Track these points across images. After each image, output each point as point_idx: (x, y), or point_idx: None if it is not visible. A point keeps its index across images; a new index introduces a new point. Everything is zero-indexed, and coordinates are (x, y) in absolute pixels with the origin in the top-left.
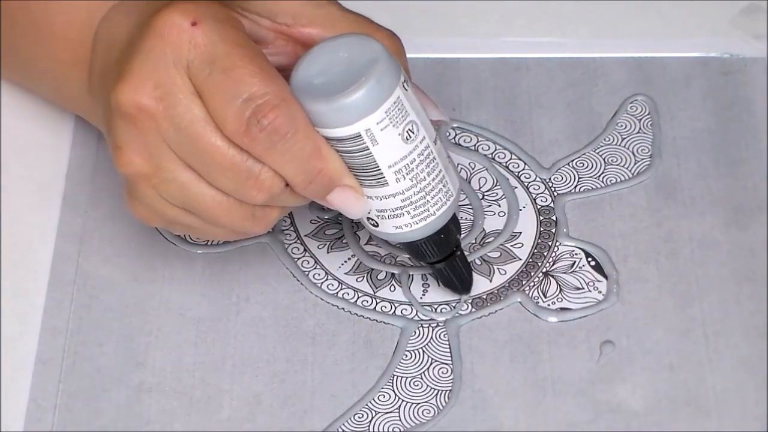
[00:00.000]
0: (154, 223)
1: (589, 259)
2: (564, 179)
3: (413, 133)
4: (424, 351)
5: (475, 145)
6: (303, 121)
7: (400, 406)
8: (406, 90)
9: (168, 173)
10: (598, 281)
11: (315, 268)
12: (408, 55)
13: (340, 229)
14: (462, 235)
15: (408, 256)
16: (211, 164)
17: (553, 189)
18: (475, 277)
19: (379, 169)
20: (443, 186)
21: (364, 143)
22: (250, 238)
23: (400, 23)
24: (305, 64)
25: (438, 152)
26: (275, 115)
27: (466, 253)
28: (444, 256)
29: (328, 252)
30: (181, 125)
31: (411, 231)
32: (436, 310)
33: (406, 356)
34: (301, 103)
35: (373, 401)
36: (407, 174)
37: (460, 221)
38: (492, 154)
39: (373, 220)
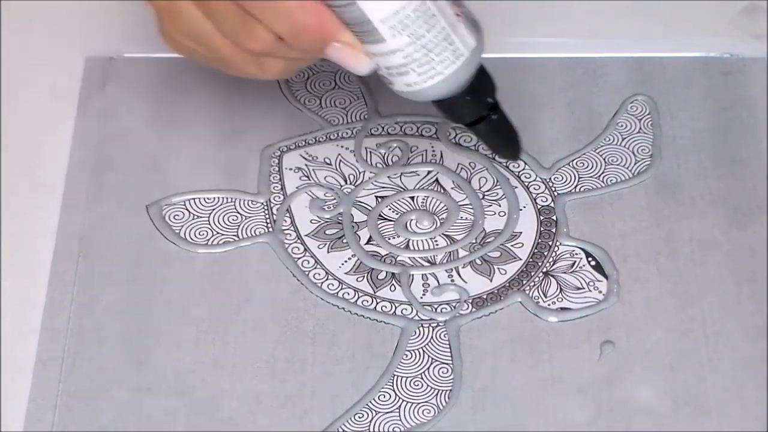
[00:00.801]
0: (178, 52)
1: (590, 259)
2: (564, 179)
3: None
4: (424, 351)
5: (475, 145)
6: None
7: (400, 406)
8: None
9: (180, 8)
10: (599, 281)
11: (315, 267)
12: None
13: (340, 229)
14: (496, 95)
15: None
16: (208, 7)
17: (553, 189)
18: (475, 276)
19: (372, 24)
20: (449, 44)
21: None
22: (249, 237)
23: None
24: None
25: (440, 9)
26: None
27: (469, 253)
28: (477, 116)
29: (328, 252)
30: None
31: (422, 89)
32: (436, 310)
33: (407, 356)
34: None
35: (373, 401)
36: (402, 30)
37: (462, 221)
38: (492, 154)
39: (385, 78)
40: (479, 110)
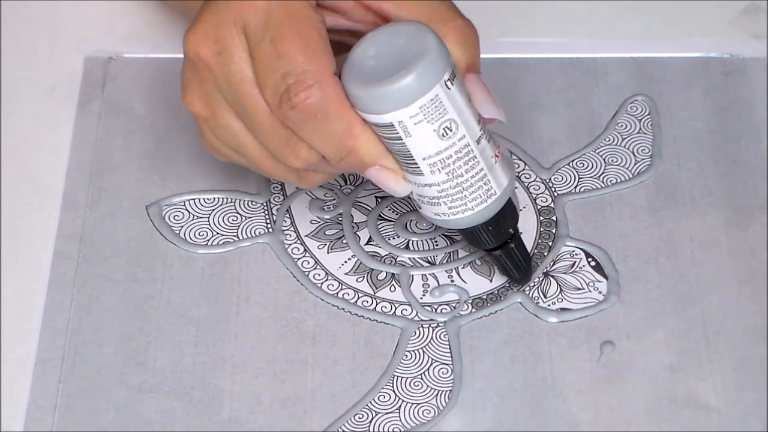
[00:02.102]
0: (219, 158)
1: (590, 259)
2: (564, 179)
3: (450, 130)
4: (424, 351)
5: None
6: (336, 103)
7: (400, 406)
8: (449, 88)
9: (221, 120)
10: (599, 281)
11: (315, 268)
12: None
13: (340, 230)
14: (518, 228)
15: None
16: (254, 123)
17: (553, 189)
18: (475, 277)
19: (414, 159)
20: (484, 184)
21: (398, 133)
22: (249, 238)
23: None
24: (364, 44)
25: (481, 151)
26: (306, 95)
27: (469, 254)
28: (496, 244)
29: (328, 252)
30: (232, 81)
31: (449, 220)
32: (436, 310)
33: (407, 356)
34: (345, 83)
35: (373, 401)
36: (442, 168)
37: None
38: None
39: (415, 201)
40: (499, 239)
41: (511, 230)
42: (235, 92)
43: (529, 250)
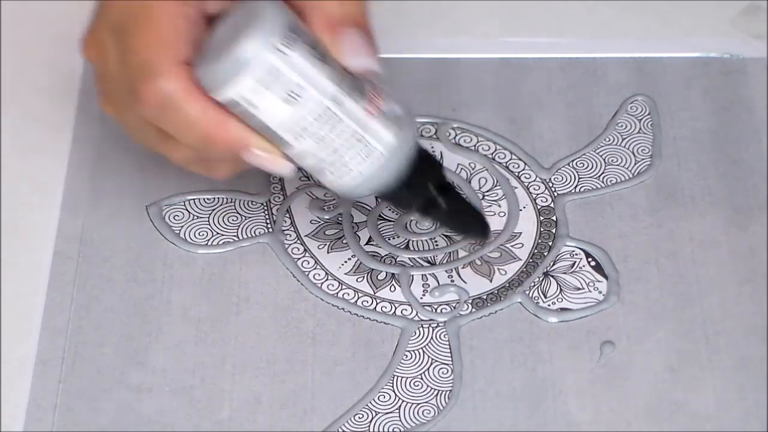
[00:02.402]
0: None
1: (590, 259)
2: (564, 179)
3: (297, 95)
4: (424, 351)
5: (475, 145)
6: (183, 91)
7: (400, 406)
8: (284, 53)
9: (123, 121)
10: (599, 281)
11: (315, 268)
12: (408, 55)
13: (340, 230)
14: (443, 177)
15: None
16: (133, 129)
17: (553, 189)
18: (475, 277)
19: (273, 131)
20: (361, 143)
21: (245, 107)
22: (249, 238)
23: (401, 23)
24: (215, 28)
25: (346, 112)
26: (147, 88)
27: (469, 254)
28: (420, 203)
29: (328, 252)
30: (110, 81)
31: (344, 187)
32: (436, 310)
33: (407, 356)
34: (194, 68)
35: (373, 401)
36: (304, 134)
37: None
38: (492, 154)
39: (310, 175)
40: (421, 197)
41: (431, 185)
42: (115, 88)
43: (528, 249)
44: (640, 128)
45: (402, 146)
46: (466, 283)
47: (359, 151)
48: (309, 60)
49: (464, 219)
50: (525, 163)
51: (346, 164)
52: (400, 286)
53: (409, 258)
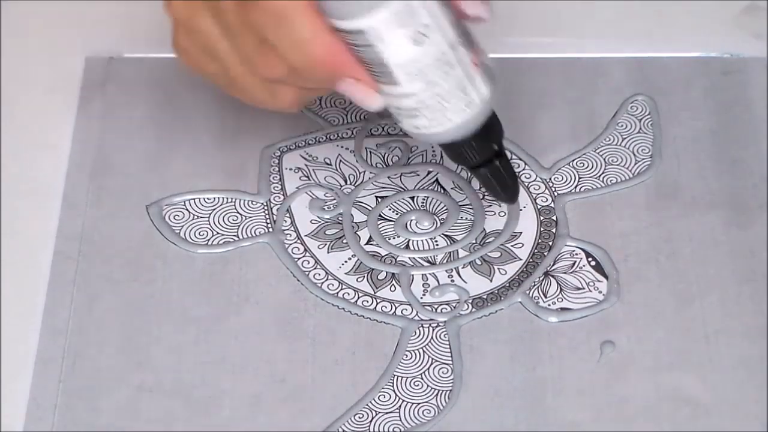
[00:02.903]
0: (190, 66)
1: (590, 259)
2: (564, 179)
3: (425, 36)
4: (424, 351)
5: None
6: (302, 7)
7: (400, 406)
8: None
9: (198, 22)
10: (599, 281)
11: (315, 268)
12: None
13: (340, 229)
14: (502, 141)
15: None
16: (228, 27)
17: (553, 189)
18: (475, 276)
19: (388, 68)
20: (463, 94)
21: (370, 40)
22: (249, 238)
23: None
24: None
25: (459, 59)
26: None
27: (469, 253)
28: (481, 161)
29: (328, 252)
30: None
31: (430, 134)
32: (436, 310)
33: (407, 356)
34: None
35: (373, 401)
36: (418, 76)
37: (463, 221)
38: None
39: (395, 116)
40: (483, 155)
41: (495, 146)
42: None
43: (528, 249)
44: (640, 128)
45: (492, 100)
46: (466, 282)
47: (460, 100)
48: (437, 2)
49: (505, 182)
50: (525, 163)
51: (445, 111)
52: (400, 286)
53: (409, 258)
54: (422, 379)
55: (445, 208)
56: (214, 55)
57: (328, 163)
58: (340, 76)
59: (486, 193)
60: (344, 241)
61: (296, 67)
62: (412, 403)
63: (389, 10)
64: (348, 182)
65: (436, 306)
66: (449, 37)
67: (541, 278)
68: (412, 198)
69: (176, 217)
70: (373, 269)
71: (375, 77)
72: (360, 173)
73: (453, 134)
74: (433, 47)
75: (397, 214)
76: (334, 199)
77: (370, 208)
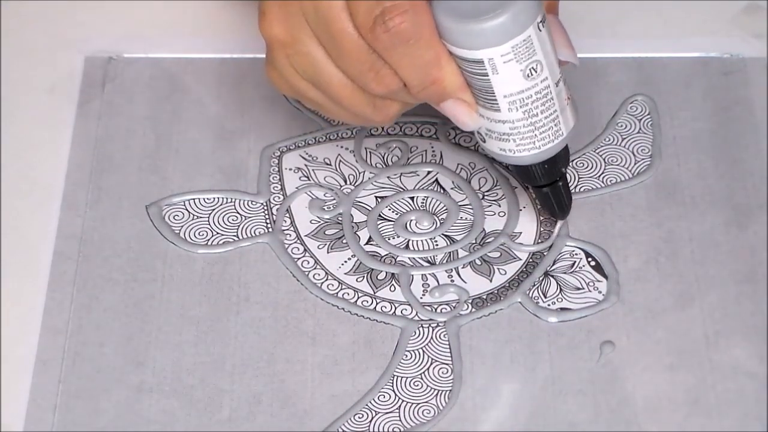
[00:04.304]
0: (285, 92)
1: (589, 259)
2: None
3: (535, 71)
4: (424, 351)
5: (475, 145)
6: (428, 31)
7: (400, 406)
8: (540, 30)
9: (302, 46)
10: (598, 281)
11: (315, 268)
12: None
13: (340, 229)
14: (567, 167)
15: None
16: (339, 48)
17: None
18: (475, 276)
19: (494, 96)
20: (554, 125)
21: (485, 70)
22: (249, 238)
23: None
24: None
25: (557, 93)
26: (401, 20)
27: (469, 253)
28: (547, 182)
29: (328, 252)
30: (320, 6)
31: (515, 156)
32: (436, 310)
33: (406, 356)
34: (436, 14)
35: (373, 401)
36: (521, 107)
37: (462, 221)
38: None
39: (481, 135)
40: (551, 178)
41: (563, 170)
42: (322, 16)
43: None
44: (640, 128)
45: (573, 130)
46: (466, 282)
47: (551, 132)
48: (550, 40)
49: (562, 203)
50: None
51: (535, 140)
52: (400, 286)
53: (409, 258)
54: (422, 379)
55: (444, 208)
56: (319, 80)
57: (327, 163)
58: (450, 97)
59: (486, 194)
60: (344, 241)
61: (412, 85)
62: (412, 403)
63: (510, 45)
64: (348, 182)
65: (435, 306)
66: (555, 73)
67: (540, 278)
68: (412, 198)
69: (176, 217)
70: (372, 269)
71: (477, 100)
72: (360, 173)
73: (533, 159)
74: (540, 82)
75: (396, 214)
76: (334, 199)
77: (369, 208)
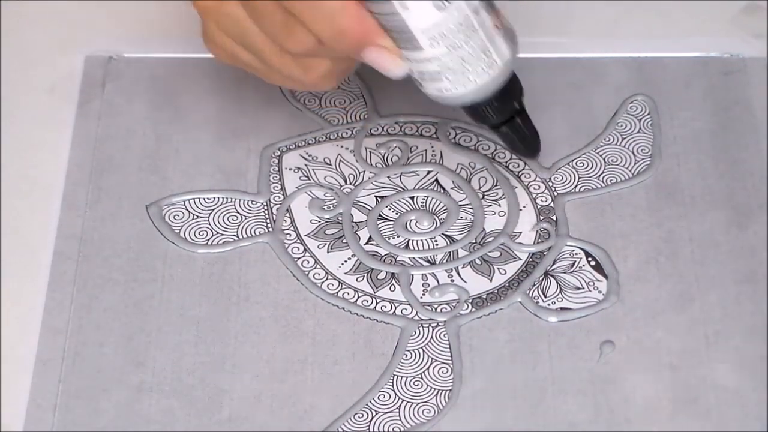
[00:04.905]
0: (223, 59)
1: (589, 258)
2: (564, 179)
3: (447, 1)
4: (424, 351)
5: (475, 145)
6: None
7: (400, 405)
8: None
9: (225, 7)
10: (598, 281)
11: (315, 267)
12: None
13: (340, 229)
14: (523, 99)
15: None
16: (253, 7)
17: (553, 189)
18: (475, 276)
19: (412, 33)
20: (485, 56)
21: (395, 8)
22: (249, 237)
23: None
24: None
25: (480, 22)
26: None
27: (469, 253)
28: (502, 119)
29: (328, 252)
30: None
31: (453, 96)
32: (436, 309)
33: (406, 356)
34: None
35: (373, 401)
36: (441, 40)
37: (461, 222)
38: (492, 153)
39: (417, 81)
40: (505, 114)
41: (516, 104)
42: None
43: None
44: (640, 128)
45: (513, 61)
46: (466, 282)
47: (482, 63)
48: None
49: (526, 138)
50: (525, 163)
51: (467, 74)
52: (399, 286)
53: (409, 257)
54: (422, 378)
55: (444, 207)
56: (245, 40)
57: (327, 163)
58: (366, 44)
59: (486, 193)
60: (344, 241)
61: (324, 38)
62: (412, 403)
63: None
64: (348, 182)
65: (435, 306)
66: (473, 2)
67: (540, 278)
68: (412, 198)
69: (176, 217)
70: (372, 269)
71: (398, 44)
72: (360, 173)
73: (475, 95)
74: (456, 12)
75: (396, 213)
76: (334, 198)
77: (369, 208)
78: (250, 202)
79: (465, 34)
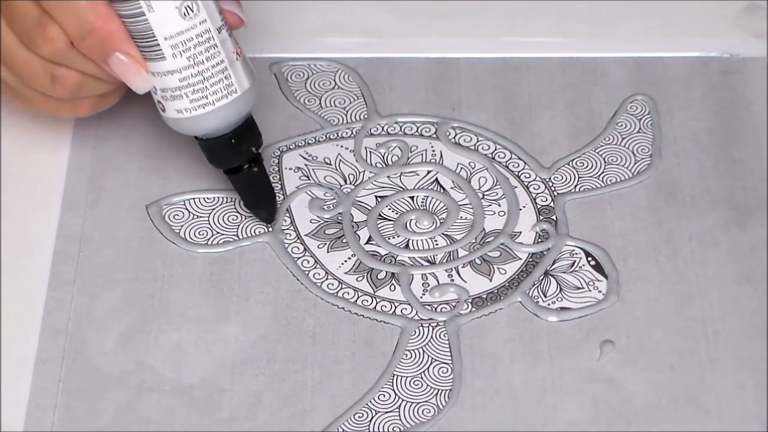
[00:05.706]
0: None
1: (589, 258)
2: (564, 179)
3: (192, 10)
4: (424, 350)
5: (475, 145)
6: None
7: (400, 405)
8: None
9: None
10: (598, 281)
11: (315, 267)
12: (408, 55)
13: (340, 229)
14: (261, 148)
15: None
16: (8, 6)
17: (553, 188)
18: (475, 276)
19: (156, 39)
20: (225, 78)
21: (140, 8)
22: (249, 237)
23: (401, 23)
24: None
25: (222, 42)
26: None
27: (469, 253)
28: (238, 163)
29: (328, 251)
30: None
31: (191, 117)
32: (436, 309)
33: (406, 356)
34: None
35: (373, 401)
36: (184, 51)
37: (461, 221)
38: (492, 153)
39: (161, 103)
40: (240, 158)
41: (254, 150)
42: None
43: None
44: (640, 128)
45: (252, 96)
46: (466, 282)
47: (222, 85)
48: None
49: (260, 193)
50: (525, 163)
51: (207, 95)
52: (399, 286)
53: (409, 257)
54: (422, 378)
55: (444, 207)
56: None
57: (327, 163)
58: (112, 48)
59: (486, 193)
60: (344, 241)
61: (72, 35)
62: (412, 403)
63: None
64: (348, 182)
65: (435, 305)
66: (215, 20)
67: (540, 278)
68: (412, 197)
69: (176, 217)
70: (372, 269)
71: (143, 53)
72: (360, 173)
73: (213, 122)
74: (199, 24)
75: (396, 213)
76: (334, 198)
77: (369, 208)
78: None
79: (206, 50)
